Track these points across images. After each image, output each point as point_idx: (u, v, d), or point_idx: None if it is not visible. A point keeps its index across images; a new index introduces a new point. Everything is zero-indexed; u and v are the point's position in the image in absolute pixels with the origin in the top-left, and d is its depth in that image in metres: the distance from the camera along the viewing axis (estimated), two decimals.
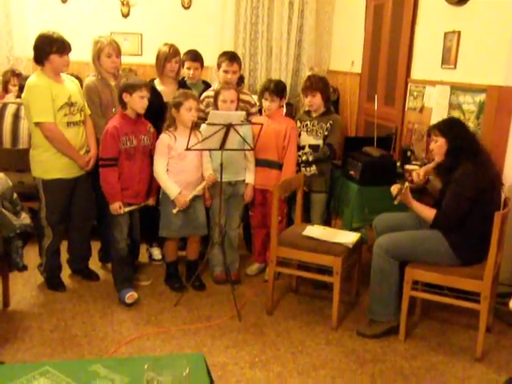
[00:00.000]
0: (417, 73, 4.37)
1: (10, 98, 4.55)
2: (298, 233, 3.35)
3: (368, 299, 3.19)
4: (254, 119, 3.76)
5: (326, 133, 3.69)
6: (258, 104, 3.96)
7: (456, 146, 2.94)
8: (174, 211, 3.39)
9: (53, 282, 3.58)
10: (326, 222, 3.89)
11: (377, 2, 5.05)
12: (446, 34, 3.86)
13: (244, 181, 3.69)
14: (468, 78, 3.64)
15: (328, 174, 3.78)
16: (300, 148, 3.74)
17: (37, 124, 3.23)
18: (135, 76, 4.53)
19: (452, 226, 2.93)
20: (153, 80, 3.91)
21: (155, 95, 3.65)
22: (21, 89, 4.03)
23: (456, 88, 3.74)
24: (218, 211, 3.48)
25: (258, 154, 3.66)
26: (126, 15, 5.77)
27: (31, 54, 3.30)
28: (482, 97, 3.46)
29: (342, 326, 3.24)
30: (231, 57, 3.80)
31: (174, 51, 3.79)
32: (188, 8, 5.88)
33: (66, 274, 3.73)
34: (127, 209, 3.35)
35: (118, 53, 3.61)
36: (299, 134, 3.77)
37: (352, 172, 3.66)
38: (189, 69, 3.93)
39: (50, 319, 3.19)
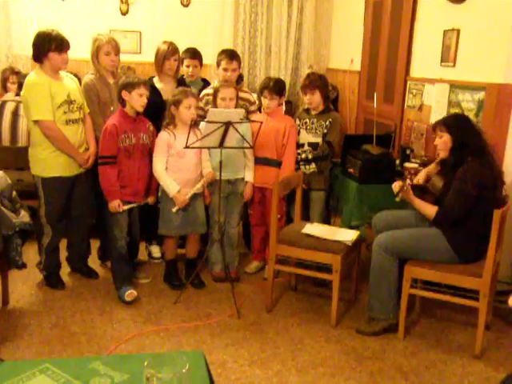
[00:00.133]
0: (416, 71, 4.37)
1: (9, 96, 4.55)
2: (297, 231, 3.35)
3: (367, 297, 3.19)
4: (254, 117, 3.76)
5: (325, 131, 3.70)
6: (257, 102, 3.96)
7: (461, 143, 2.93)
8: (174, 210, 3.39)
9: (52, 279, 3.58)
10: (326, 220, 3.90)
11: (376, 0, 5.04)
12: (445, 32, 3.85)
13: (243, 179, 3.69)
14: (467, 75, 3.64)
15: (327, 171, 3.78)
16: (299, 146, 3.74)
17: (36, 122, 3.22)
18: (134, 74, 4.52)
19: (453, 223, 2.93)
20: (152, 78, 3.90)
21: (154, 93, 3.65)
22: (20, 86, 4.03)
23: (455, 86, 3.74)
24: (218, 209, 3.48)
25: (257, 152, 3.67)
26: (124, 13, 5.76)
27: (30, 51, 3.29)
28: (481, 95, 3.46)
29: (341, 324, 3.24)
30: (230, 55, 3.80)
31: (172, 49, 3.79)
32: (187, 6, 5.87)
33: (65, 271, 3.73)
34: (126, 207, 3.35)
35: (117, 51, 3.60)
36: (298, 132, 3.77)
37: (351, 170, 3.66)
38: (188, 66, 3.93)
39: (50, 317, 3.19)
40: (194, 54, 3.94)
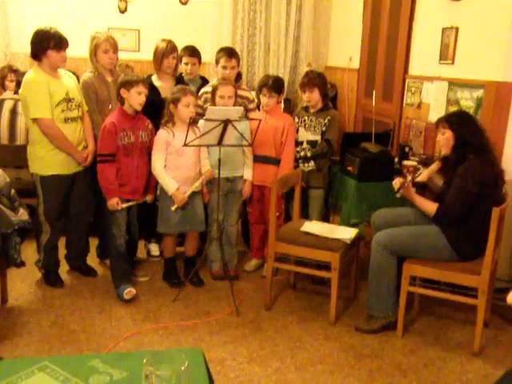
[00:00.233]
0: (415, 68, 4.37)
1: (7, 94, 4.54)
2: (296, 229, 3.35)
3: (366, 295, 3.20)
4: (252, 115, 3.76)
5: (323, 128, 3.70)
6: (256, 100, 3.95)
7: (463, 141, 2.92)
8: (173, 209, 3.39)
9: (51, 278, 3.58)
10: (325, 218, 3.90)
11: None
12: (443, 30, 3.86)
13: (242, 177, 3.68)
14: (466, 73, 3.64)
15: (326, 169, 3.78)
16: (298, 144, 3.74)
17: (34, 120, 3.22)
18: (132, 72, 4.52)
19: (453, 220, 2.93)
20: (150, 76, 3.90)
21: (153, 91, 3.64)
22: (18, 85, 4.01)
23: (454, 84, 3.74)
24: (216, 207, 3.48)
25: (256, 150, 3.67)
26: (123, 11, 5.74)
27: (28, 49, 3.29)
28: (479, 92, 3.46)
29: (339, 322, 3.25)
30: (229, 52, 3.80)
31: (171, 47, 3.78)
32: (185, 4, 5.85)
33: (63, 270, 3.73)
34: (125, 205, 3.35)
35: (115, 48, 3.60)
36: (297, 130, 3.77)
37: (350, 168, 3.66)
38: (186, 64, 3.92)
39: (49, 315, 3.19)
40: (193, 52, 3.93)
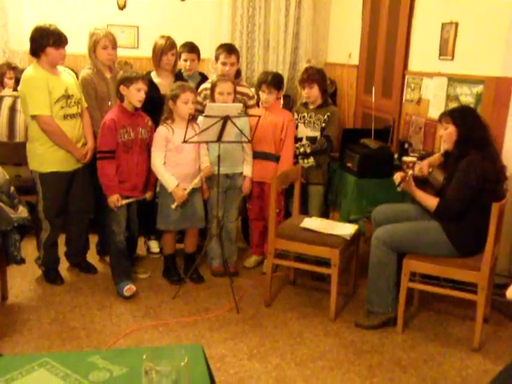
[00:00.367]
0: (414, 64, 4.36)
1: (7, 91, 4.53)
2: (296, 225, 3.35)
3: (366, 291, 3.20)
4: (252, 111, 3.76)
5: (323, 125, 3.70)
6: (255, 97, 3.95)
7: (466, 136, 2.92)
8: (173, 206, 3.39)
9: (51, 275, 3.58)
10: (324, 215, 3.90)
11: None
12: (443, 25, 3.85)
13: (242, 173, 3.68)
14: (465, 69, 3.64)
15: (325, 165, 3.78)
16: (297, 140, 3.74)
17: (33, 117, 3.22)
18: (131, 69, 4.51)
19: (454, 215, 2.92)
20: (149, 73, 3.89)
21: (152, 88, 3.64)
22: (17, 82, 4.01)
23: (453, 79, 3.74)
24: (216, 204, 3.48)
25: (255, 146, 3.66)
26: (122, 7, 5.73)
27: (27, 47, 3.28)
28: (479, 88, 3.46)
29: (339, 318, 3.25)
30: (229, 49, 3.79)
31: (170, 44, 3.78)
32: (184, 0, 5.85)
33: (63, 267, 3.73)
34: (125, 201, 3.35)
35: (114, 45, 3.59)
36: (297, 126, 3.76)
37: (350, 164, 3.66)
38: (185, 60, 3.91)
39: (49, 312, 3.19)
40: (192, 48, 3.92)
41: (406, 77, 4.42)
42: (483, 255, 2.83)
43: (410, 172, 3.01)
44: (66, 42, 3.28)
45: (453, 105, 3.67)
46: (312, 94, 3.71)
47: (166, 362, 1.32)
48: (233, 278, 3.53)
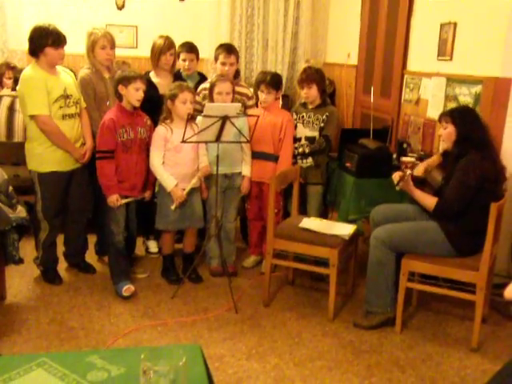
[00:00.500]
0: (413, 64, 4.37)
1: (5, 91, 4.53)
2: (295, 225, 3.35)
3: (364, 291, 3.20)
4: (250, 111, 3.76)
5: (322, 125, 3.70)
6: (255, 97, 3.95)
7: (465, 136, 2.92)
8: (173, 207, 3.38)
9: (49, 275, 3.58)
10: (323, 215, 3.90)
11: None
12: (442, 26, 3.85)
13: (240, 173, 3.68)
14: (464, 69, 3.64)
15: (324, 166, 3.78)
16: (296, 140, 3.74)
17: (32, 117, 3.21)
18: (129, 68, 4.50)
19: (452, 214, 2.92)
20: (148, 72, 3.89)
21: (151, 88, 3.64)
22: (15, 81, 4.01)
23: (452, 80, 3.74)
24: (215, 204, 3.48)
25: (254, 146, 3.66)
26: (121, 7, 5.74)
27: (26, 46, 3.28)
28: (478, 88, 3.46)
29: (338, 318, 3.25)
30: (228, 49, 3.79)
31: (169, 43, 3.78)
32: (183, 0, 5.85)
33: (62, 267, 3.73)
34: (124, 201, 3.35)
35: (113, 44, 3.59)
36: (295, 126, 3.76)
37: (348, 164, 3.66)
38: (184, 60, 3.91)
39: (47, 312, 3.19)
40: (191, 48, 3.92)
41: (405, 77, 4.43)
42: (482, 255, 2.83)
43: (409, 171, 3.01)
44: (65, 42, 3.28)
45: (451, 105, 3.68)
46: (311, 94, 3.71)
47: (164, 361, 1.32)
48: (231, 278, 3.53)
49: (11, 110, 4.07)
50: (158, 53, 3.76)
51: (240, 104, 3.45)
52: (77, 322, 3.10)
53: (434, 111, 3.89)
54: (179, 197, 3.37)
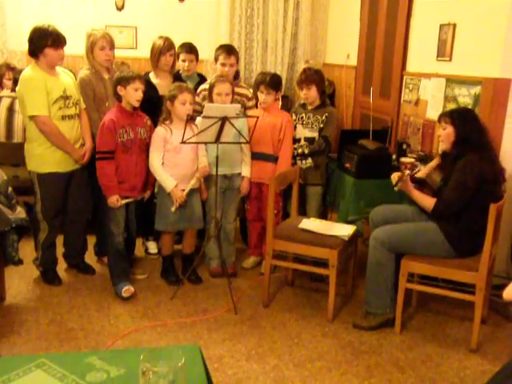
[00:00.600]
0: (412, 65, 4.37)
1: (5, 92, 4.53)
2: (294, 226, 3.35)
3: (364, 291, 3.20)
4: (250, 112, 3.76)
5: (321, 125, 3.70)
6: (254, 98, 3.95)
7: (464, 137, 2.93)
8: (173, 209, 3.38)
9: (49, 275, 3.58)
10: (323, 216, 3.90)
11: None
12: (441, 27, 3.86)
13: (240, 174, 3.68)
14: (463, 70, 3.64)
15: (324, 166, 3.78)
16: (296, 141, 3.74)
17: (31, 117, 3.21)
18: (128, 69, 4.51)
19: (451, 215, 2.93)
20: (148, 73, 3.89)
21: (151, 88, 3.64)
22: (15, 82, 4.01)
23: (451, 80, 3.74)
24: (214, 205, 3.47)
25: (253, 147, 3.66)
26: (120, 8, 5.74)
27: (25, 47, 3.28)
28: (477, 89, 3.46)
29: (337, 319, 3.25)
30: (228, 50, 3.79)
31: (168, 44, 3.78)
32: (183, 1, 5.85)
33: (61, 267, 3.72)
34: (124, 201, 3.34)
35: (112, 45, 3.59)
36: (295, 127, 3.76)
37: (348, 165, 3.66)
38: (184, 61, 3.91)
39: (47, 313, 3.19)
40: (191, 49, 3.92)
41: (404, 78, 4.43)
42: (481, 256, 2.83)
43: (407, 172, 3.02)
44: (65, 43, 3.28)
45: (451, 106, 3.68)
46: (310, 94, 3.71)
47: (164, 362, 1.32)
48: (231, 279, 3.53)
49: (11, 110, 4.06)
50: (157, 54, 3.76)
51: (239, 105, 3.45)
52: (76, 322, 3.09)
53: (433, 112, 3.89)
54: (179, 197, 3.37)
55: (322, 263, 3.24)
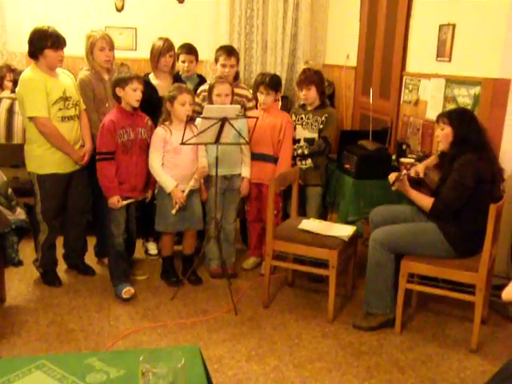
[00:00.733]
0: (412, 66, 4.37)
1: (5, 93, 4.53)
2: (294, 226, 3.35)
3: (364, 292, 3.20)
4: (249, 113, 3.76)
5: (321, 126, 3.70)
6: (254, 98, 3.95)
7: (462, 138, 2.93)
8: (173, 212, 3.38)
9: (49, 276, 3.57)
10: (323, 216, 3.90)
11: None
12: (440, 27, 3.86)
13: (240, 175, 3.68)
14: (463, 70, 3.64)
15: (323, 167, 3.78)
16: (295, 141, 3.74)
17: (31, 118, 3.21)
18: (128, 70, 4.51)
19: (449, 215, 2.93)
20: (147, 74, 3.89)
21: (151, 89, 3.64)
22: (15, 83, 4.01)
23: (451, 81, 3.74)
24: (214, 205, 3.47)
25: (253, 148, 3.66)
26: (120, 9, 5.73)
27: (25, 48, 3.28)
28: (476, 89, 3.46)
29: (338, 319, 3.25)
30: (229, 51, 3.80)
31: (168, 45, 3.78)
32: (182, 2, 5.85)
33: (61, 269, 3.72)
34: (125, 202, 3.34)
35: (111, 46, 3.59)
36: (294, 128, 3.76)
37: (347, 165, 3.66)
38: (183, 62, 3.92)
39: (47, 314, 3.19)
40: (190, 50, 3.93)
41: (404, 78, 4.43)
42: (481, 256, 2.83)
43: (405, 171, 3.02)
44: (65, 44, 3.28)
45: (450, 106, 3.68)
46: (310, 95, 3.71)
47: (163, 363, 1.32)
48: (231, 280, 3.53)
49: (10, 112, 4.07)
50: (157, 55, 3.77)
51: (239, 106, 3.46)
52: (76, 324, 3.09)
53: (433, 112, 3.89)
54: (179, 198, 3.37)
55: (322, 264, 3.24)
